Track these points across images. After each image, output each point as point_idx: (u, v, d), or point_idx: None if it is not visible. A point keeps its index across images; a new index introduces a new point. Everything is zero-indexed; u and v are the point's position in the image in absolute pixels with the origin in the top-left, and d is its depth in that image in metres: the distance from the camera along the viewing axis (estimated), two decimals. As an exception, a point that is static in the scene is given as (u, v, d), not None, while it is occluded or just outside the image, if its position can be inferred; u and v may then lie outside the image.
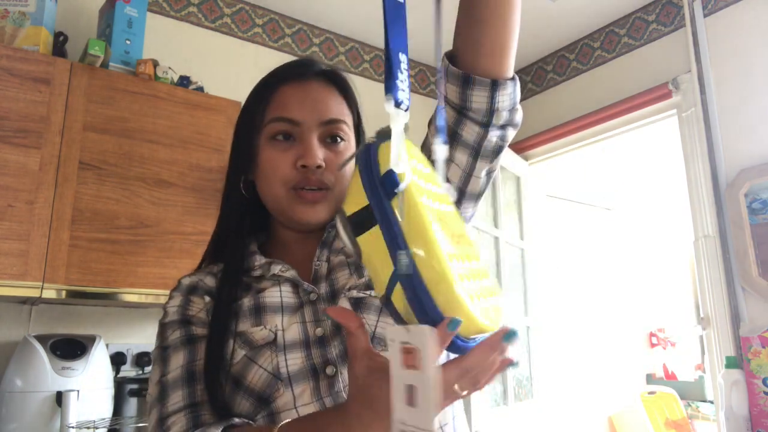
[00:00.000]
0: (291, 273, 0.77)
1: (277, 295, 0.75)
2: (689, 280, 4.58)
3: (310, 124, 0.77)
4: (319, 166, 0.75)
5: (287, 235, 0.83)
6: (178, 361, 0.71)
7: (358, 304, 0.73)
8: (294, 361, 0.70)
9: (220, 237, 0.83)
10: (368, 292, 0.73)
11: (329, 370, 0.69)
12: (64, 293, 1.55)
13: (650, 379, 4.57)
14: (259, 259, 0.79)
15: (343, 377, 0.69)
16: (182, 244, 1.75)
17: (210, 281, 0.79)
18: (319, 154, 0.75)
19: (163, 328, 0.75)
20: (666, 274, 4.68)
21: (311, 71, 0.81)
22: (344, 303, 0.73)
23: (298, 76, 0.80)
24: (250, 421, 0.68)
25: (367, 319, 0.71)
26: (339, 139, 0.78)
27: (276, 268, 0.78)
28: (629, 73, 2.51)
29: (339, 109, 0.80)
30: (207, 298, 0.77)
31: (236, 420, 0.66)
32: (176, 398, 0.67)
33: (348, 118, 0.81)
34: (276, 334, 0.72)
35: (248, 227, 0.83)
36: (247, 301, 0.75)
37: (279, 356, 0.70)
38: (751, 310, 1.98)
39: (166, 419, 0.66)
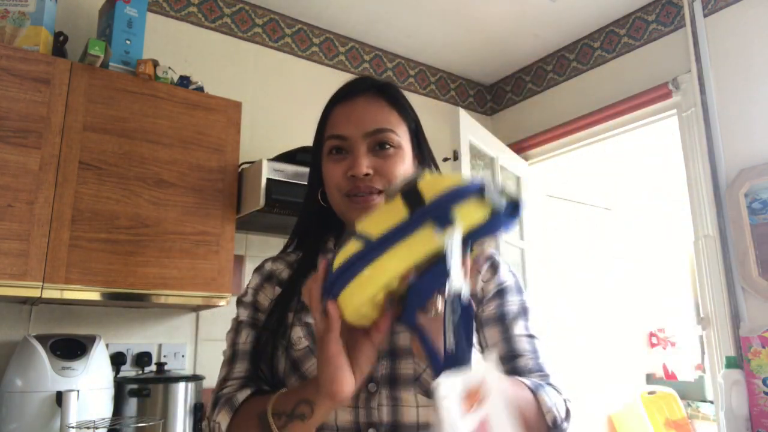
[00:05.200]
0: None
1: None
2: (689, 280, 4.57)
3: (356, 136, 0.84)
4: (366, 174, 0.82)
5: None
6: (246, 337, 0.86)
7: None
8: None
9: (296, 233, 0.94)
10: None
11: (371, 387, 0.77)
12: (64, 293, 1.55)
13: (650, 379, 4.57)
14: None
15: (381, 397, 0.76)
16: (182, 244, 1.75)
17: (286, 274, 0.90)
18: (365, 162, 0.82)
19: (239, 305, 0.90)
20: (666, 274, 4.68)
21: (360, 88, 0.89)
22: (405, 338, 0.78)
23: (347, 95, 0.88)
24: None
25: (419, 360, 0.77)
26: (387, 146, 0.84)
27: None
28: (629, 73, 2.51)
29: (385, 119, 0.86)
30: (277, 289, 0.88)
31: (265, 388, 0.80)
32: (241, 368, 0.83)
33: (398, 126, 0.86)
34: None
35: (323, 227, 0.92)
36: None
37: None
38: (751, 310, 1.98)
39: (228, 380, 0.82)
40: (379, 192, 0.83)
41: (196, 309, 2.03)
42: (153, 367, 1.88)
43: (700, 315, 2.16)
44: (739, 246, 2.01)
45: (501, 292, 0.86)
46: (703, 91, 2.18)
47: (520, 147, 2.90)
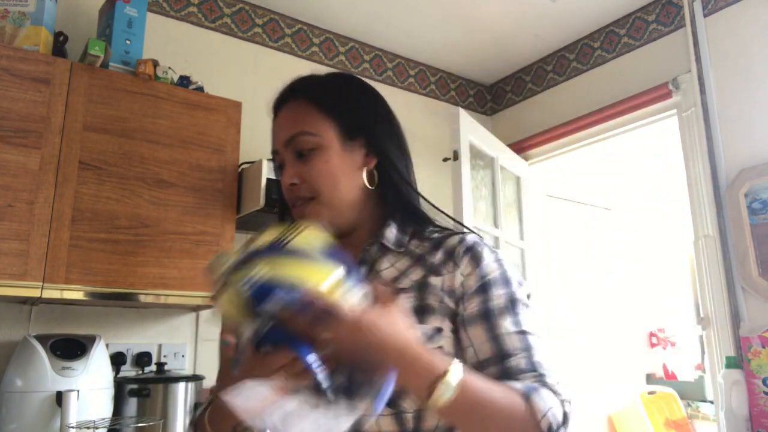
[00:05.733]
0: None
1: None
2: (689, 280, 4.57)
3: (281, 149, 0.84)
4: (293, 184, 0.82)
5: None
6: None
7: None
8: None
9: None
10: None
11: (330, 397, 0.75)
12: (64, 293, 1.55)
13: (650, 379, 4.57)
14: None
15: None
16: (182, 244, 1.75)
17: None
18: (289, 172, 0.82)
19: None
20: (666, 274, 4.68)
21: (285, 96, 0.86)
22: None
23: (277, 106, 0.87)
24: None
25: None
26: (307, 151, 0.81)
27: None
28: (629, 73, 2.51)
29: (299, 122, 0.82)
30: None
31: None
32: None
33: (315, 124, 0.82)
34: None
35: None
36: None
37: None
38: (751, 310, 1.98)
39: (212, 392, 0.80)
40: (310, 199, 0.81)
41: (196, 309, 2.03)
42: (153, 367, 1.88)
43: (700, 315, 2.16)
44: (739, 246, 2.01)
45: (484, 287, 0.78)
46: (703, 91, 2.18)
47: (520, 147, 2.90)
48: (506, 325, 0.76)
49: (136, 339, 1.94)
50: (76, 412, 1.49)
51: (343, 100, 0.85)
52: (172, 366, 1.96)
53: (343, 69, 2.66)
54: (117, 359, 1.84)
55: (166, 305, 1.92)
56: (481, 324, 0.76)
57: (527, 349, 0.75)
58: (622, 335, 4.38)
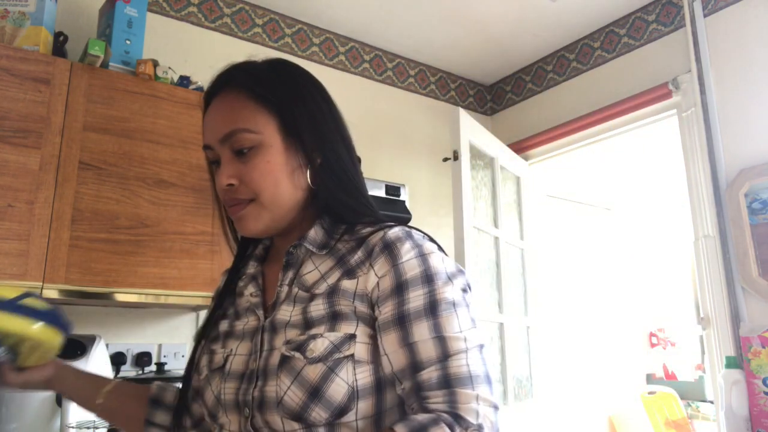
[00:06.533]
0: (256, 300, 0.79)
1: (245, 322, 0.79)
2: (689, 280, 4.58)
3: (215, 145, 0.76)
4: (230, 185, 0.75)
5: (274, 241, 0.87)
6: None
7: (284, 361, 0.69)
8: (229, 391, 0.73)
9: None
10: (295, 354, 0.69)
11: (246, 412, 0.71)
12: (64, 293, 1.55)
13: (650, 379, 4.57)
14: (252, 266, 0.85)
15: (255, 421, 0.69)
16: (182, 244, 1.75)
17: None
18: (226, 172, 0.75)
19: None
20: (666, 274, 4.68)
21: (217, 87, 0.79)
22: (276, 357, 0.71)
23: (209, 97, 0.80)
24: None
25: (281, 382, 0.68)
26: (244, 149, 0.74)
27: (249, 290, 0.81)
28: (629, 73, 2.51)
29: (236, 116, 0.75)
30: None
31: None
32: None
33: (255, 119, 0.75)
34: (226, 360, 0.76)
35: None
36: (225, 325, 0.82)
37: (223, 383, 0.74)
38: (751, 310, 1.98)
39: None
40: (250, 200, 0.75)
41: (196, 309, 2.03)
42: (153, 367, 1.88)
43: (700, 315, 2.16)
44: (739, 246, 2.01)
45: (400, 288, 0.68)
46: (703, 91, 2.18)
47: (520, 147, 2.90)
48: (422, 331, 0.66)
49: (136, 339, 1.94)
50: (76, 412, 1.49)
51: (284, 93, 0.77)
52: (172, 366, 1.96)
53: (343, 69, 2.66)
54: (117, 359, 1.84)
55: (166, 305, 1.92)
56: (394, 331, 0.67)
57: (443, 359, 0.65)
58: (622, 335, 4.39)
